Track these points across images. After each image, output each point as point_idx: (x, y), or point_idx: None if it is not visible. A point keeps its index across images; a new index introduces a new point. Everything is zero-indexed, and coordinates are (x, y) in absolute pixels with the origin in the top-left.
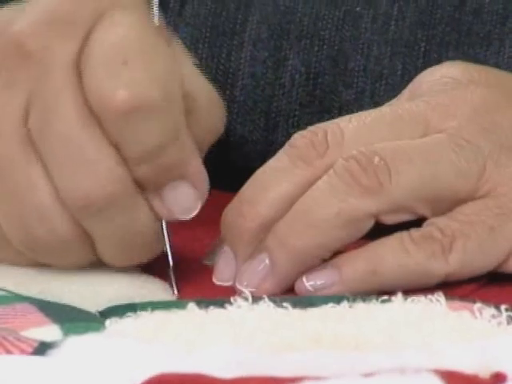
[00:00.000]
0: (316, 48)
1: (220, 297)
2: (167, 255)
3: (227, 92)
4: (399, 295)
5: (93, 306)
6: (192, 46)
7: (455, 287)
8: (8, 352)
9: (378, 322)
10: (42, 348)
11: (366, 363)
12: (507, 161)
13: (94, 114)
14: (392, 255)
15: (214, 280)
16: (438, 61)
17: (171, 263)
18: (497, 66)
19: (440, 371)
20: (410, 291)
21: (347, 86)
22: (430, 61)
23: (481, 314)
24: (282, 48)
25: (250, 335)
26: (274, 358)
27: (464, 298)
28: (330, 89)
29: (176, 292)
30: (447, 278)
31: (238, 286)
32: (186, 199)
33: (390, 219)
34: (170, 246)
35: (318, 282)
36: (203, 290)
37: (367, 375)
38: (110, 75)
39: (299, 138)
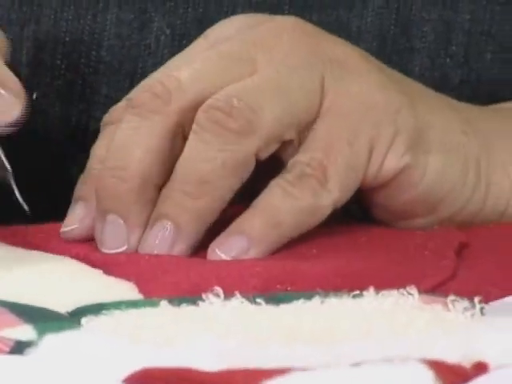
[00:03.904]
0: (181, 10)
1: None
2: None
3: (93, 53)
4: (371, 289)
5: (60, 308)
6: (58, 9)
7: (422, 280)
8: None
9: (351, 317)
10: (19, 347)
11: (350, 355)
12: (341, 73)
13: None
14: (284, 203)
15: (104, 249)
16: None
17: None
18: (359, 29)
19: (426, 360)
20: (381, 286)
21: None
22: None
23: (454, 306)
24: (146, 10)
25: (226, 331)
26: (258, 351)
27: (435, 291)
28: None
29: (27, 209)
30: (335, 204)
31: None
32: (1, 103)
33: (265, 153)
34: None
35: (233, 252)
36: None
37: (354, 365)
38: None
39: (138, 97)
